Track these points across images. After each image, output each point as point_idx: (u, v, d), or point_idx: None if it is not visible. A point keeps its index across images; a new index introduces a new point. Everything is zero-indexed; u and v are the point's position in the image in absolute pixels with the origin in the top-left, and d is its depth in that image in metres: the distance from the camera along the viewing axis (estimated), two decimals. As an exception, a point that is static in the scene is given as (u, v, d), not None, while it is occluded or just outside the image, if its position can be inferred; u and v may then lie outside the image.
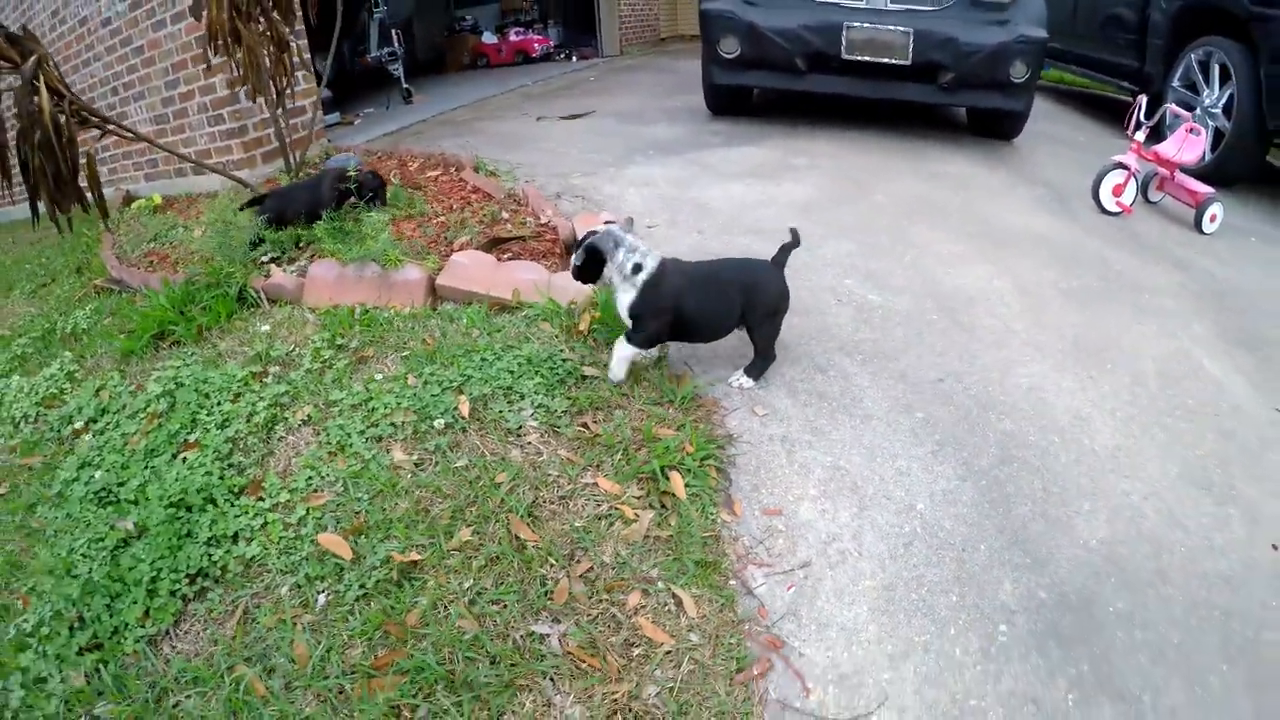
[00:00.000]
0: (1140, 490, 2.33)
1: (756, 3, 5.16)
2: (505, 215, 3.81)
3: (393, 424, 2.49)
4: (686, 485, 2.19)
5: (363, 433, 2.48)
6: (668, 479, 2.20)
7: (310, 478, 2.38)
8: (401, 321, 3.02)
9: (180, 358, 3.23)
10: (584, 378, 2.62)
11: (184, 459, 2.60)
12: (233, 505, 2.38)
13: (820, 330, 2.91)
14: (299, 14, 4.68)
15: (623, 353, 2.45)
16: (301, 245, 3.82)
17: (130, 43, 5.64)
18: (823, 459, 2.34)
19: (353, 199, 3.67)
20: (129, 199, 6.07)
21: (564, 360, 2.66)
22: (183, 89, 5.40)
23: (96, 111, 3.54)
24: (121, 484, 2.64)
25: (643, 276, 2.32)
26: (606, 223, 2.57)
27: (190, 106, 5.40)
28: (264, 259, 3.74)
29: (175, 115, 5.60)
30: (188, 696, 1.94)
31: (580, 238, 2.41)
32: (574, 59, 10.39)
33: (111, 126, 3.64)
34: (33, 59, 3.11)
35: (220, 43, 3.99)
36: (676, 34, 12.03)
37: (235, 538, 2.30)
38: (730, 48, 5.23)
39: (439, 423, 2.44)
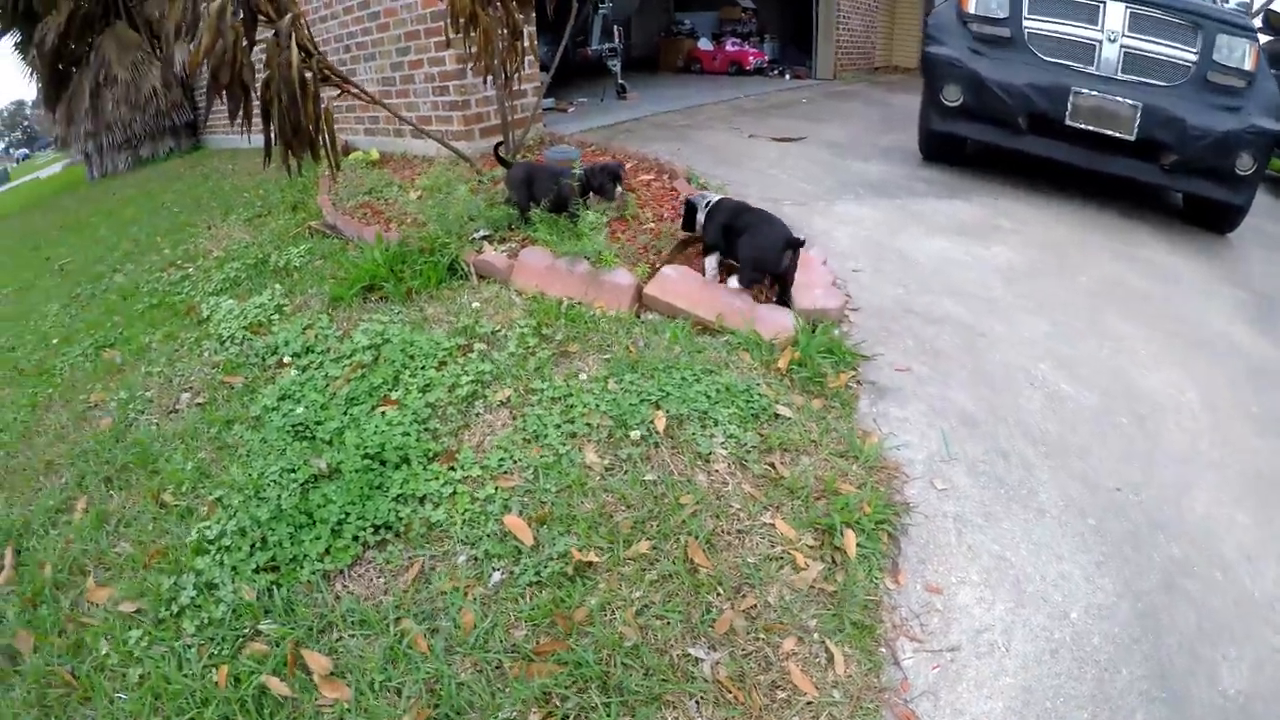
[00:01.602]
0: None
1: (984, 53, 5.06)
2: None
3: (589, 424, 2.58)
4: (858, 545, 2.19)
5: (559, 426, 2.59)
6: (842, 535, 2.20)
7: (503, 459, 2.50)
8: (607, 324, 3.13)
9: (387, 313, 3.46)
10: (777, 416, 2.63)
11: (383, 413, 2.78)
12: (425, 468, 2.52)
13: (1010, 412, 2.83)
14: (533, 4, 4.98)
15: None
16: (513, 227, 4.03)
17: (368, 7, 6.13)
18: (990, 546, 2.29)
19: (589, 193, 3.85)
20: (347, 150, 6.56)
21: (760, 395, 2.69)
22: (412, 57, 5.80)
23: (339, 71, 3.86)
24: (319, 423, 2.84)
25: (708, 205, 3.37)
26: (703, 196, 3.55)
27: (417, 75, 5.80)
28: (477, 234, 3.96)
29: (402, 80, 6.02)
30: (351, 635, 2.07)
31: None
32: (787, 77, 10.43)
33: (353, 89, 3.96)
34: (289, 16, 3.43)
35: (460, 23, 4.28)
36: (890, 64, 11.88)
37: (423, 500, 2.44)
38: (952, 96, 5.15)
39: (635, 434, 2.51)
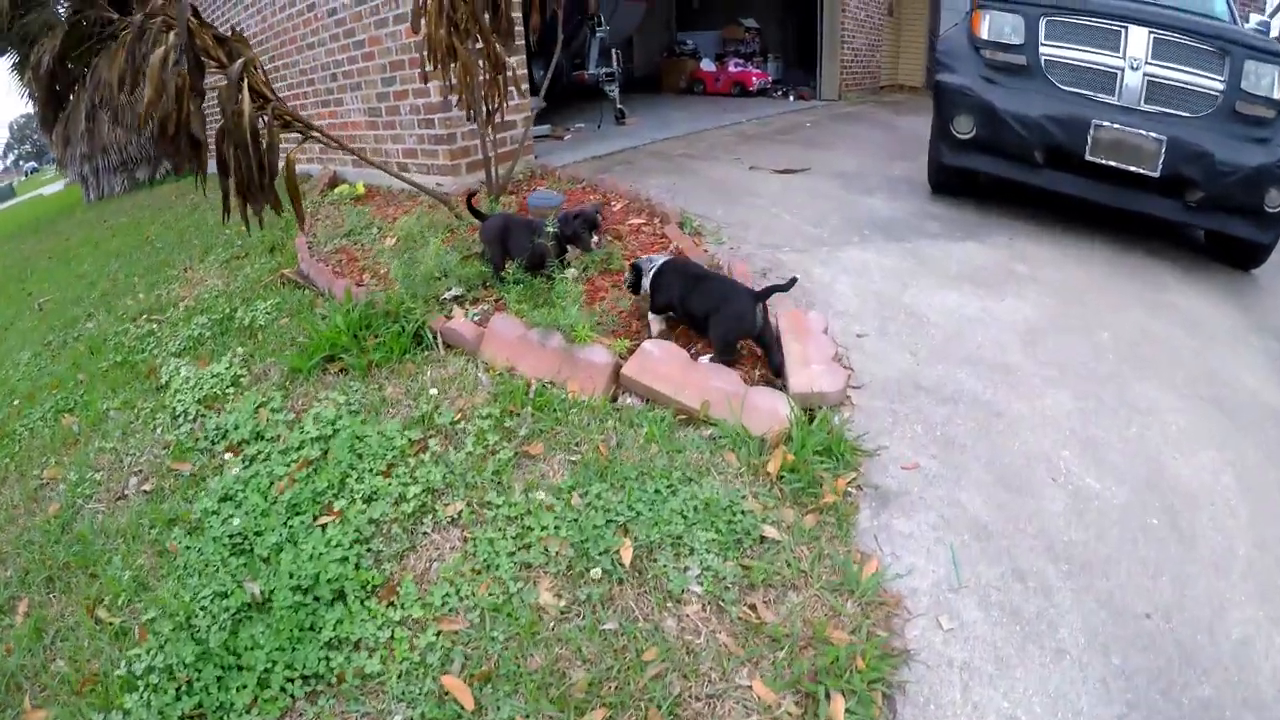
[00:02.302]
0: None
1: (999, 82, 4.68)
2: None
3: (546, 552, 2.31)
4: (847, 712, 1.89)
5: (512, 555, 2.31)
6: (829, 702, 1.90)
7: (447, 596, 2.24)
8: (577, 414, 2.85)
9: (344, 392, 3.21)
10: (763, 539, 2.33)
11: (324, 528, 2.54)
12: (363, 605, 2.27)
13: (1030, 518, 2.50)
14: (518, 38, 4.70)
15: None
16: (488, 285, 3.76)
17: (353, 35, 5.90)
18: (1000, 703, 1.97)
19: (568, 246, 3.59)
20: (335, 181, 6.36)
21: (744, 513, 2.39)
22: (397, 88, 5.57)
23: (299, 116, 3.61)
24: (259, 534, 2.62)
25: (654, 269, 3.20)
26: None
27: (403, 106, 5.58)
28: (448, 294, 3.70)
29: (388, 111, 5.80)
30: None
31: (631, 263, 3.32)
32: (791, 98, 10.15)
33: (315, 133, 3.72)
34: (239, 62, 3.18)
35: (437, 57, 4.02)
36: (896, 83, 11.49)
37: (358, 645, 2.18)
38: (964, 128, 4.79)
39: (596, 571, 2.22)
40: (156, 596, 2.57)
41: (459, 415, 2.92)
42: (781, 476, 2.51)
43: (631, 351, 3.08)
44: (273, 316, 4.16)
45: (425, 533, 2.47)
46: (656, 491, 2.44)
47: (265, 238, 5.73)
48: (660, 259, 3.25)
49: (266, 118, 3.41)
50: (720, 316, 2.99)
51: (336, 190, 6.12)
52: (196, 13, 3.12)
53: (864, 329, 3.42)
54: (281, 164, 3.49)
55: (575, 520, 2.38)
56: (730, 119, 8.41)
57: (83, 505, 3.28)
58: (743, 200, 5.12)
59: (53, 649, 2.56)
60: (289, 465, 2.86)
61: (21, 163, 70.03)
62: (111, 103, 3.49)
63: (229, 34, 3.29)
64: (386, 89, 5.68)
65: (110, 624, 2.55)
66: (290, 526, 2.59)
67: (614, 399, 2.98)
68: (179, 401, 3.60)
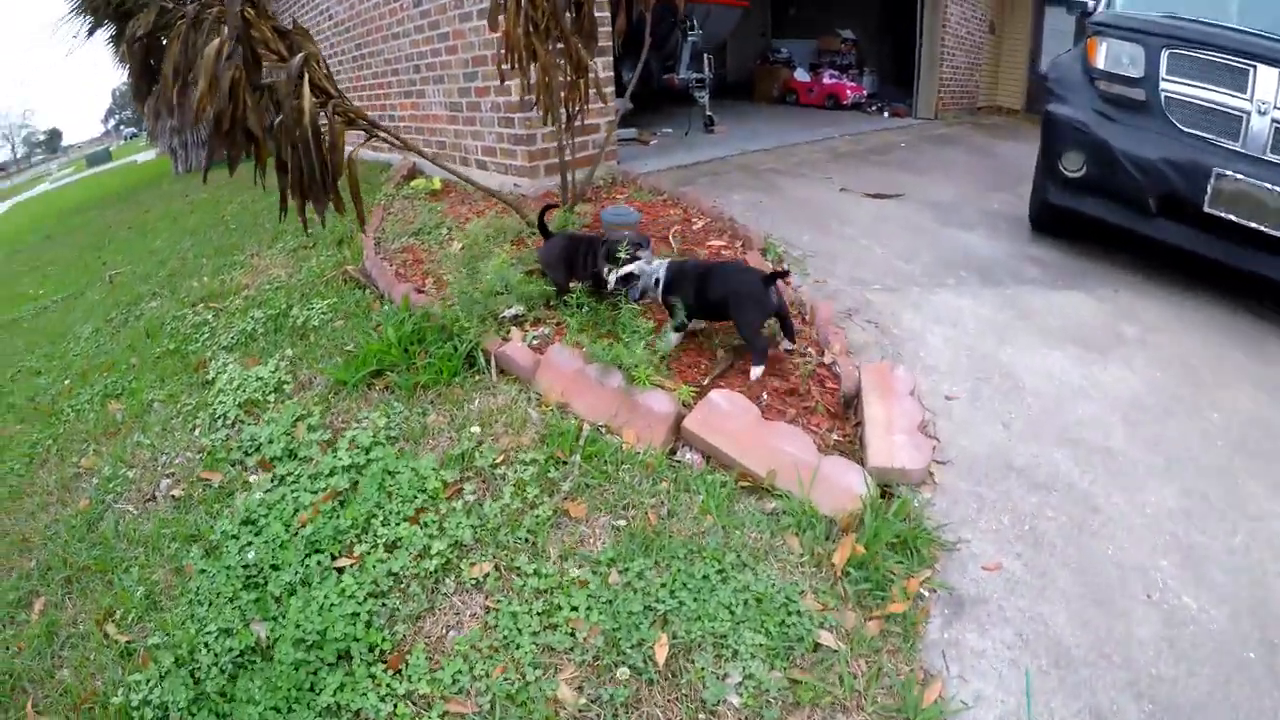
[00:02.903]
0: None
1: (1113, 118, 4.23)
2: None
3: (573, 637, 2.08)
4: None
5: (535, 635, 2.09)
6: None
7: (459, 673, 2.03)
8: (629, 470, 2.61)
9: (386, 413, 3.06)
10: (817, 647, 2.06)
11: (341, 572, 2.37)
12: (368, 671, 2.09)
13: (1118, 644, 2.15)
14: (602, 39, 4.50)
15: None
16: (551, 305, 3.56)
17: (437, 27, 5.82)
18: None
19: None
20: (413, 173, 6.29)
21: (800, 613, 2.12)
22: (479, 84, 5.44)
23: (363, 114, 3.45)
24: (275, 568, 2.48)
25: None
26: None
27: (484, 102, 5.46)
28: (507, 313, 3.51)
29: (469, 107, 5.70)
30: None
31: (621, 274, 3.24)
32: (885, 114, 9.73)
33: (381, 132, 3.55)
34: (299, 56, 3.03)
35: (515, 57, 3.83)
36: (994, 104, 10.89)
37: (357, 715, 2.01)
38: (1073, 165, 4.37)
39: (623, 670, 1.99)
40: (164, 620, 2.50)
41: (501, 457, 2.72)
42: (847, 572, 2.23)
43: (697, 398, 2.83)
44: (328, 317, 4.06)
45: (446, 594, 2.28)
46: (705, 577, 2.19)
47: (335, 229, 5.68)
48: (660, 262, 3.25)
49: (328, 115, 3.26)
50: (740, 304, 3.00)
51: (413, 184, 6.03)
52: (254, 3, 2.98)
53: (954, 390, 3.10)
54: (347, 160, 3.35)
55: (610, 603, 2.15)
56: (822, 133, 8.06)
57: (111, 503, 3.26)
58: (831, 226, 4.82)
59: (60, 656, 2.56)
60: (316, 494, 2.71)
61: (122, 128, 73.34)
62: (164, 95, 3.40)
63: (290, 25, 3.14)
64: (468, 84, 5.57)
65: (117, 641, 2.51)
66: (306, 566, 2.44)
67: (673, 452, 2.74)
68: (220, 403, 3.52)
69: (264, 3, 3.08)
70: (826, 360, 3.18)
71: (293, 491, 2.76)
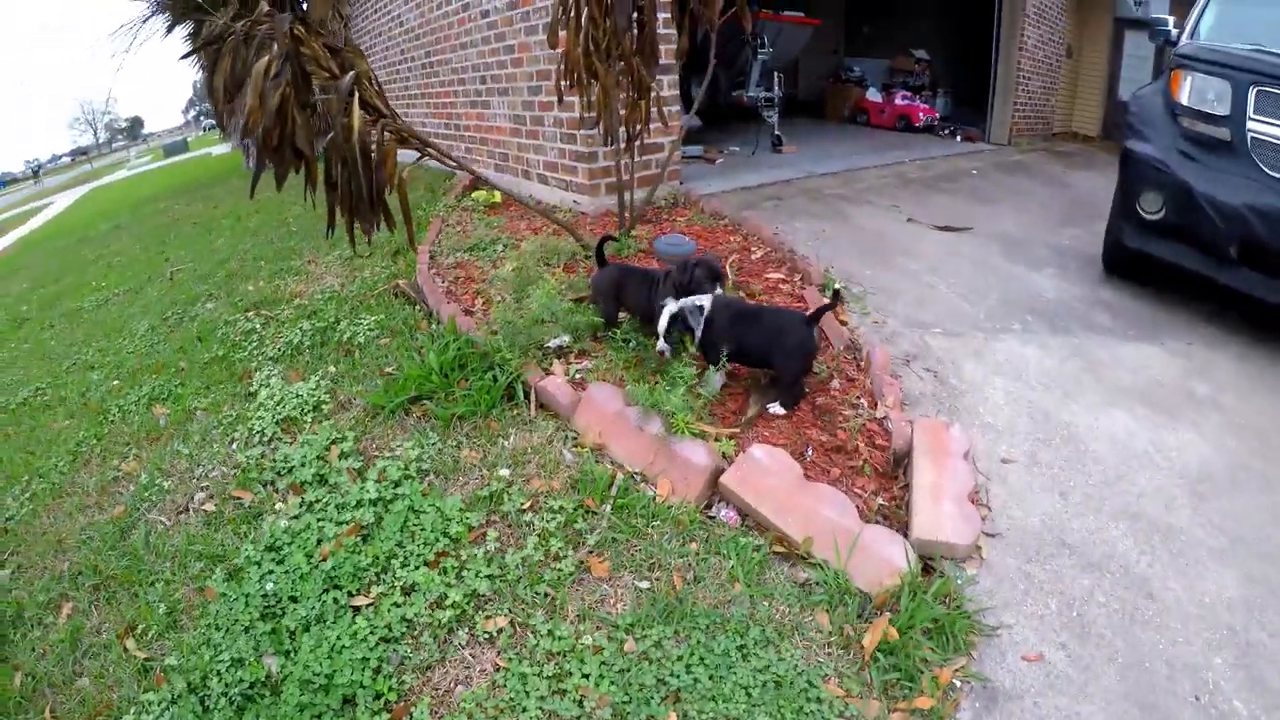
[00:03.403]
0: None
1: (1196, 158, 4.01)
2: (835, 382, 3.23)
3: (580, 706, 2.02)
4: None
5: (543, 700, 2.04)
6: None
7: (462, 737, 1.99)
8: (660, 527, 2.54)
9: (420, 443, 3.05)
10: (836, 738, 1.97)
11: (357, 612, 2.36)
12: (371, 721, 2.06)
13: None
14: (664, 57, 4.46)
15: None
16: (599, 338, 3.52)
17: (503, 39, 5.87)
18: None
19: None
20: (475, 185, 6.31)
21: (821, 700, 2.02)
22: (542, 98, 5.46)
23: (415, 133, 3.47)
24: (294, 600, 2.49)
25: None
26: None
27: (546, 118, 5.47)
28: (552, 343, 3.47)
29: (532, 120, 5.73)
30: None
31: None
32: (958, 138, 9.48)
33: (432, 151, 3.56)
34: (350, 75, 3.05)
35: (575, 75, 3.81)
36: (1069, 130, 10.50)
37: (355, 768, 1.98)
38: (1152, 207, 4.15)
39: (630, 751, 1.93)
40: (183, 641, 2.53)
41: (529, 502, 2.68)
42: (876, 657, 2.12)
43: (739, 450, 2.75)
44: (374, 334, 4.08)
45: (458, 646, 2.24)
46: (725, 653, 2.11)
47: (394, 237, 5.73)
48: (701, 300, 3.12)
49: (378, 133, 3.27)
50: (784, 352, 2.99)
51: (474, 195, 6.07)
52: (305, 21, 3.00)
53: (1012, 452, 2.96)
54: (400, 180, 3.37)
55: (623, 672, 2.09)
56: (892, 156, 7.89)
57: (145, 513, 3.31)
58: (895, 261, 4.69)
59: (82, 664, 2.62)
60: (340, 526, 2.71)
61: (201, 119, 75.87)
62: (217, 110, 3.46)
63: (343, 44, 3.16)
64: (532, 98, 5.60)
65: (136, 657, 2.56)
66: (323, 602, 2.45)
67: (709, 505, 2.67)
68: (260, 418, 3.56)
69: (316, 22, 3.10)
70: (879, 414, 3.07)
71: (319, 521, 2.77)
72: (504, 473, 2.82)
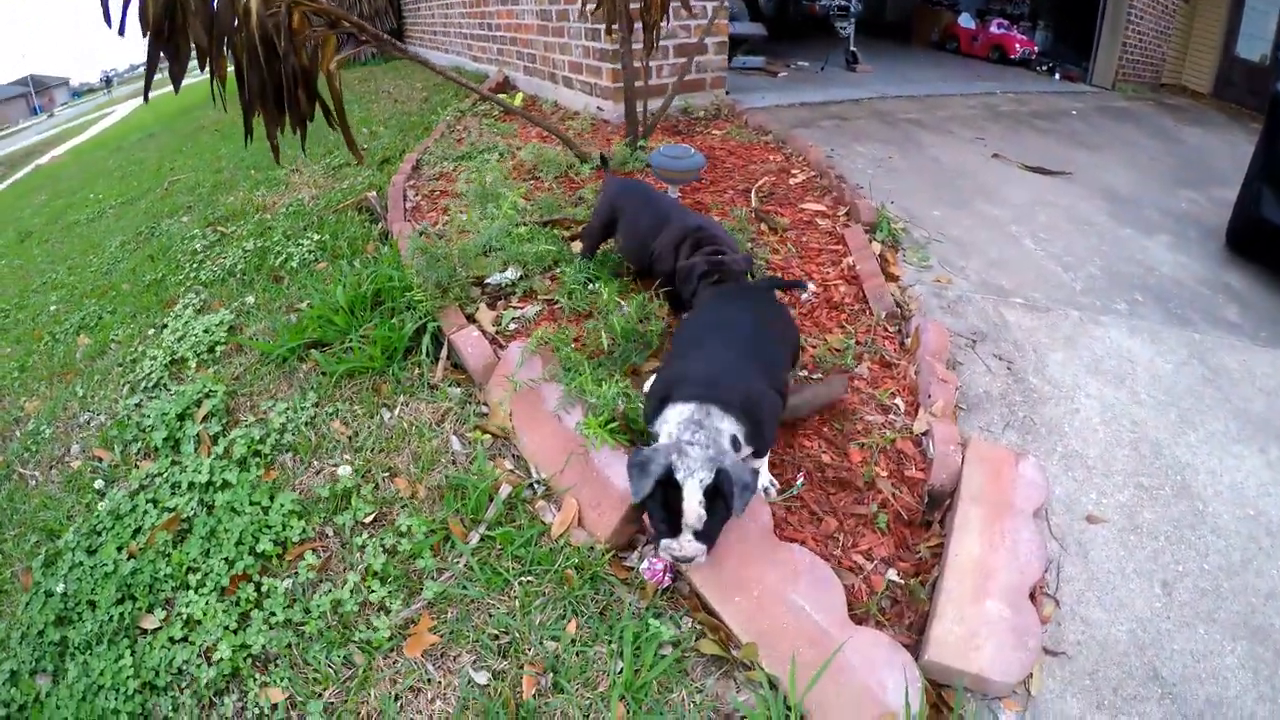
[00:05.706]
0: None
1: None
2: (862, 367, 2.45)
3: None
4: None
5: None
6: None
7: None
8: (539, 577, 1.85)
9: (290, 411, 2.50)
10: None
11: (133, 643, 1.91)
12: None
13: None
14: None
15: None
16: (556, 275, 2.84)
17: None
18: None
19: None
20: (502, 86, 6.02)
21: None
22: (568, -14, 4.84)
23: (342, 13, 2.82)
24: (92, 606, 2.05)
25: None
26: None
27: (571, 11, 4.88)
28: (493, 279, 2.82)
29: (557, 15, 5.19)
30: None
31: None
32: (1056, 75, 8.49)
33: (366, 36, 2.92)
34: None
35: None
36: (1178, 83, 9.16)
37: None
38: None
39: None
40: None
41: (375, 513, 2.06)
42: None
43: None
44: (310, 258, 3.54)
45: (223, 717, 1.66)
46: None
47: (393, 143, 5.20)
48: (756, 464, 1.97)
49: (284, 13, 2.66)
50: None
51: (501, 96, 5.48)
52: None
53: (1103, 505, 2.09)
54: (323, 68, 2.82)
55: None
56: (981, 87, 7.01)
57: (18, 467, 2.95)
58: (972, 204, 3.80)
59: None
60: (160, 517, 2.18)
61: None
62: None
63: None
64: (558, -10, 5.00)
65: None
66: (112, 616, 1.98)
67: (628, 546, 1.93)
68: (153, 358, 3.08)
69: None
70: (918, 428, 2.23)
71: (145, 506, 2.26)
72: (345, 471, 2.18)
